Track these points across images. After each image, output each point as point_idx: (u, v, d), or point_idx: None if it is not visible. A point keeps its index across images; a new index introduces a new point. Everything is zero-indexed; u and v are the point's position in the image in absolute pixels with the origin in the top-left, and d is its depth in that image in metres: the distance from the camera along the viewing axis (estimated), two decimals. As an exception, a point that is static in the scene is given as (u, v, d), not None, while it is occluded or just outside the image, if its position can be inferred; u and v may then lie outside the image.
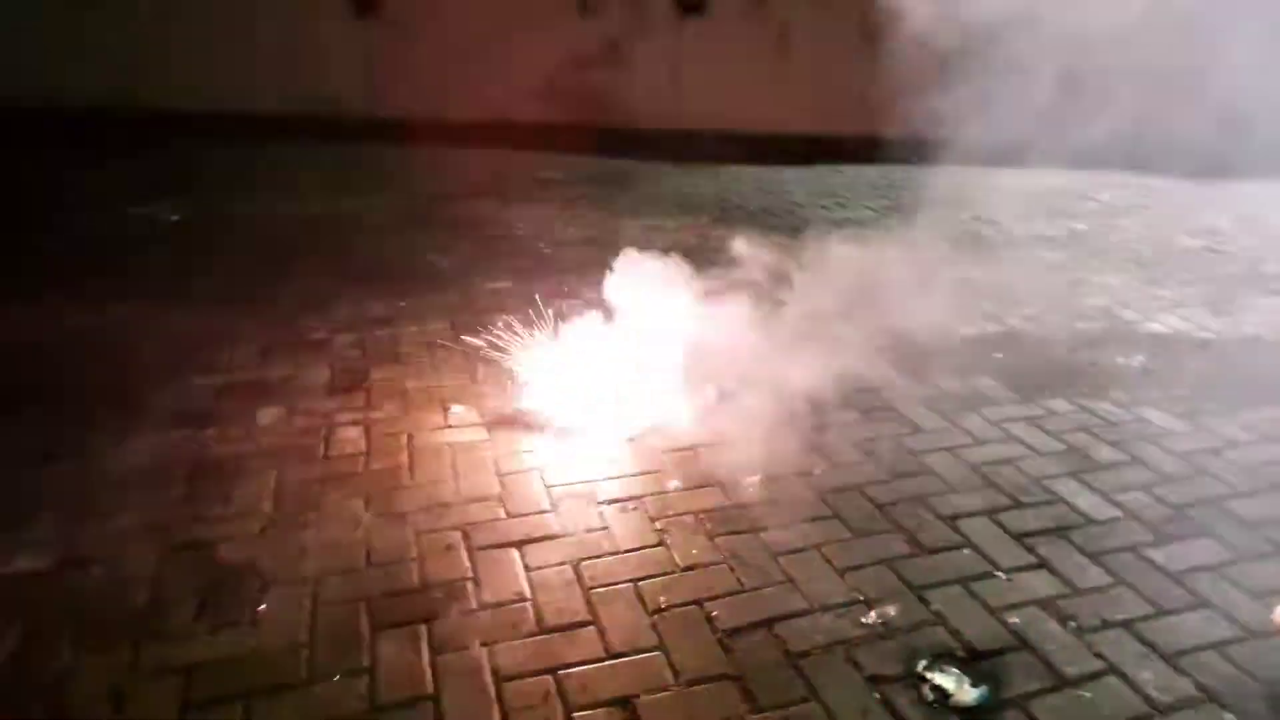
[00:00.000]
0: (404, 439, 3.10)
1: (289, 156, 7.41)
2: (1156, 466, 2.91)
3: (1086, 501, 2.70)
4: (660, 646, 2.09)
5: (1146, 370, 3.70)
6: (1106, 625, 2.16)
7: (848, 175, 7.68)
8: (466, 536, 2.53)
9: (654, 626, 2.16)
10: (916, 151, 7.44)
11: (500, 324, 4.15)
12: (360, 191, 6.71)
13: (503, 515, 2.64)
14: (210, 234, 5.47)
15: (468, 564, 2.41)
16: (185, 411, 3.25)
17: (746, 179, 7.18)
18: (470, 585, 2.32)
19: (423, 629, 2.16)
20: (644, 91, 8.31)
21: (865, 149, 7.97)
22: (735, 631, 2.14)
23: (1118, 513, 2.64)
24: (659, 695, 1.96)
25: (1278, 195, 7.01)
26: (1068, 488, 2.78)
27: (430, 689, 1.98)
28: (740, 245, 5.49)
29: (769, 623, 2.17)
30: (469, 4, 7.99)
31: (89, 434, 3.07)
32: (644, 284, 3.59)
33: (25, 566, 2.39)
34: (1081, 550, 2.46)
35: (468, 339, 3.72)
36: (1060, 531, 2.55)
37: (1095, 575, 2.35)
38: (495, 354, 3.63)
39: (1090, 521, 2.60)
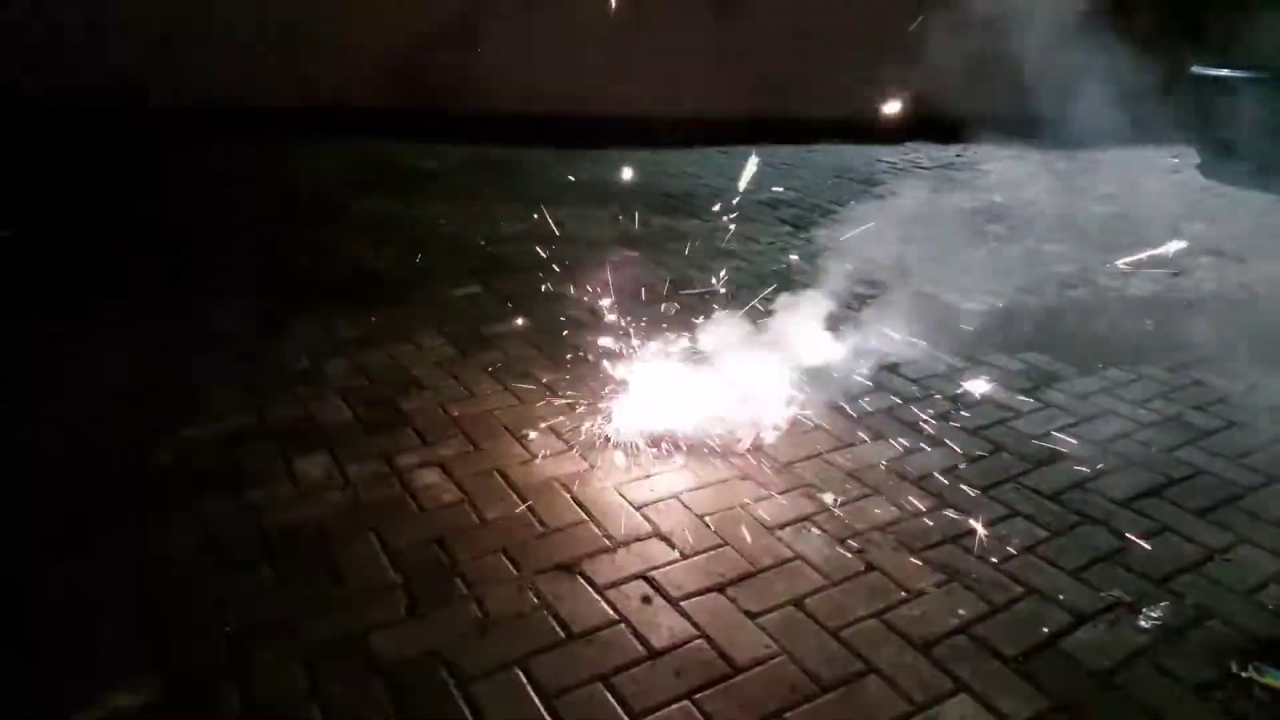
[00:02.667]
0: (498, 478, 2.68)
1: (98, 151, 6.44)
2: (1257, 427, 3.03)
3: (1227, 469, 2.76)
4: (961, 687, 1.89)
5: (1162, 333, 3.88)
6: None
7: (734, 156, 7.67)
8: (656, 586, 2.20)
9: (937, 665, 1.95)
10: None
11: (513, 333, 3.79)
12: (230, 187, 5.95)
13: (676, 555, 2.32)
14: (78, 249, 4.62)
15: (683, 620, 2.08)
16: (203, 474, 2.65)
17: (637, 163, 6.98)
18: (706, 645, 2.00)
19: (691, 707, 1.83)
20: (494, 75, 7.89)
21: (728, 129, 8.01)
22: (1024, 657, 1.97)
23: (1261, 477, 2.71)
24: (1002, 743, 1.76)
25: (1124, 160, 7.72)
26: (1198, 458, 2.83)
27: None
28: (690, 231, 5.34)
29: (1051, 641, 2.02)
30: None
31: (97, 517, 2.42)
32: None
33: (129, 703, 1.81)
34: (1262, 519, 2.50)
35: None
36: (1230, 503, 2.57)
37: (1298, 544, 2.39)
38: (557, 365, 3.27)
39: (1248, 490, 2.65)
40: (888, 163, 7.54)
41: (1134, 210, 6.10)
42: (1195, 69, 7.10)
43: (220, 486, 2.57)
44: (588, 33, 8.06)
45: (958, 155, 7.91)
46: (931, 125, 8.12)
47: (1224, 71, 7.03)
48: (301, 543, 2.34)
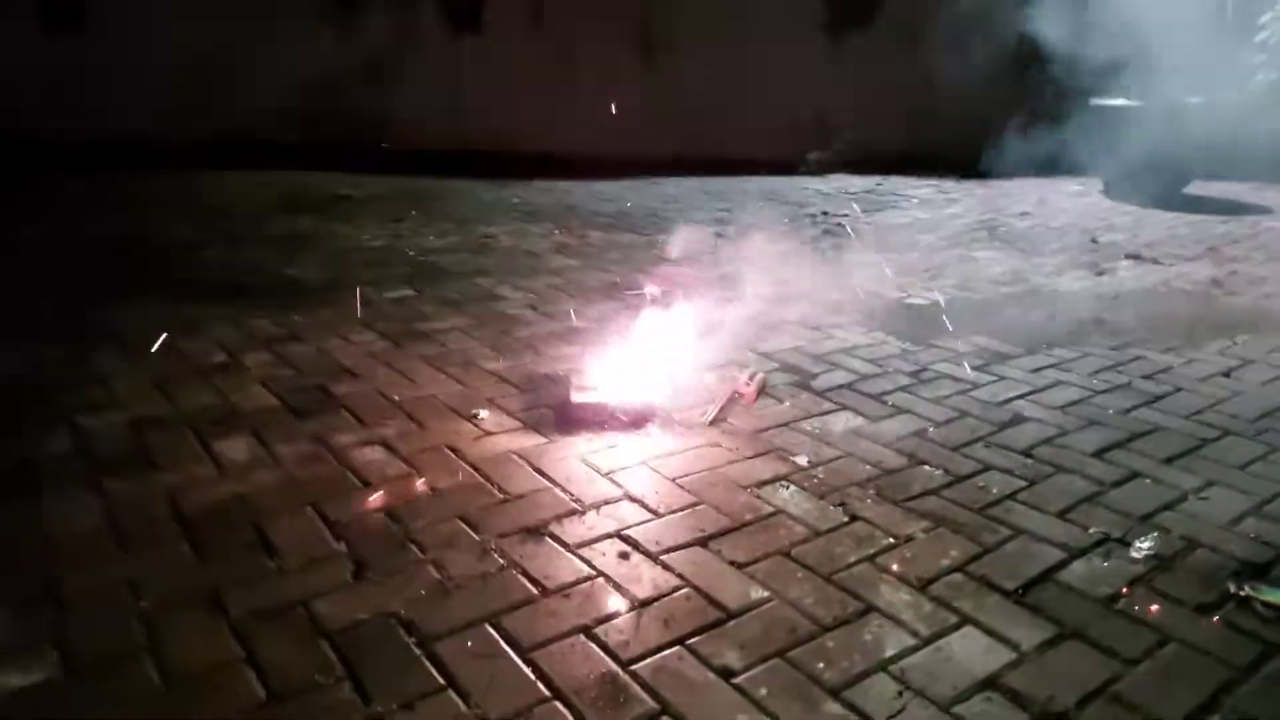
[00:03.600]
0: (449, 454, 2.48)
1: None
2: (1199, 392, 3.06)
3: (1184, 425, 2.77)
4: (965, 620, 1.78)
5: (1098, 320, 3.96)
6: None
7: (668, 186, 7.70)
8: (633, 543, 2.03)
9: (937, 601, 1.84)
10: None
11: (451, 329, 3.64)
12: (139, 211, 5.65)
13: (650, 516, 2.17)
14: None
15: (666, 572, 1.92)
16: (106, 460, 2.38)
17: (568, 191, 6.93)
18: (694, 594, 1.84)
19: (685, 652, 1.66)
20: (418, 110, 7.78)
21: (655, 166, 8.06)
22: (1024, 590, 1.88)
23: (1215, 431, 2.73)
24: (1015, 672, 1.64)
25: (1032, 187, 8.06)
26: (1155, 416, 2.83)
27: None
28: (628, 243, 5.29)
29: (1047, 575, 1.93)
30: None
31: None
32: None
33: (21, 683, 1.54)
34: (1227, 464, 2.50)
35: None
36: (1193, 452, 2.57)
37: (1268, 486, 2.38)
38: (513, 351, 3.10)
39: (1208, 440, 2.65)
40: (814, 189, 7.68)
41: (1052, 222, 6.32)
42: (1094, 100, 7.50)
43: (126, 471, 2.32)
44: (515, 72, 8.04)
45: (878, 184, 8.11)
46: (851, 161, 8.38)
47: (1120, 101, 7.44)
48: (225, 519, 2.10)
